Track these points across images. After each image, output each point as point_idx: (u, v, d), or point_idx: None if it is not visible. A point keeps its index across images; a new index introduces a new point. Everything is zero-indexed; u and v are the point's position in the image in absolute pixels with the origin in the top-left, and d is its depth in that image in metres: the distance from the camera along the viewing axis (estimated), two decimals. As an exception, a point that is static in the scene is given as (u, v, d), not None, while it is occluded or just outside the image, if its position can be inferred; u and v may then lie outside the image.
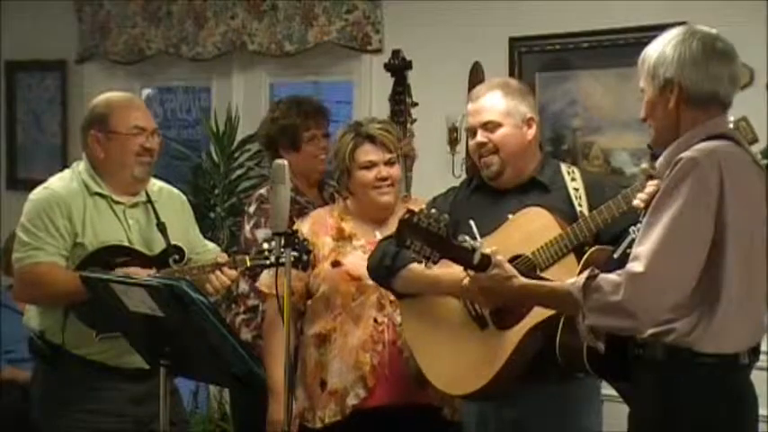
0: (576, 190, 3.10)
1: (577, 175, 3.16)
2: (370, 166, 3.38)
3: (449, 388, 3.13)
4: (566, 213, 3.05)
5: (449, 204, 3.22)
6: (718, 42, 2.48)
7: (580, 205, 3.06)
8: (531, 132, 3.14)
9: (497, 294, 2.77)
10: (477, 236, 2.84)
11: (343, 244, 3.42)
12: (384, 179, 3.37)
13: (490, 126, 3.13)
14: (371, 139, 3.39)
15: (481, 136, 3.14)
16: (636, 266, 2.37)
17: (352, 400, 3.34)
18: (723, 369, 2.43)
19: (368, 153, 3.38)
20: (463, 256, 2.74)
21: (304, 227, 3.46)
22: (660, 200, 2.41)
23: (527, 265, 2.96)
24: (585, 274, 2.47)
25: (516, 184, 3.16)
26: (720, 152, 2.41)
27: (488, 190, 3.20)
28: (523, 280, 2.68)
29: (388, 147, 3.38)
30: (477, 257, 2.71)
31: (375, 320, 3.35)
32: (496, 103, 3.14)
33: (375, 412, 3.34)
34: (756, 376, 2.55)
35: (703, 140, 2.44)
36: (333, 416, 3.36)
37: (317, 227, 3.47)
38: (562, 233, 2.96)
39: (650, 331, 2.44)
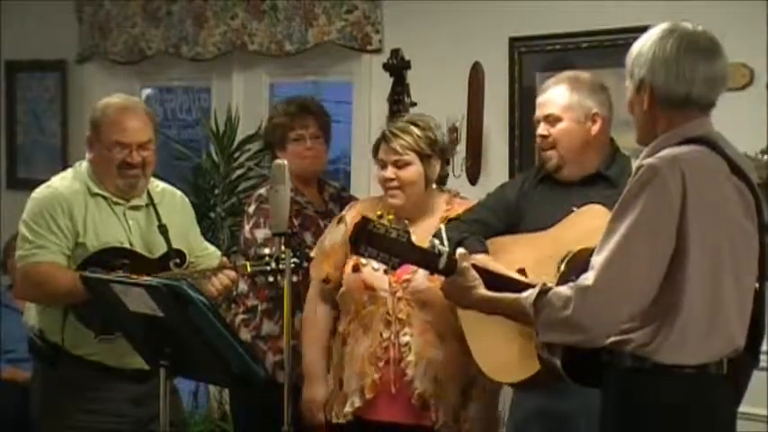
0: None
1: None
2: (382, 165, 3.37)
3: (498, 376, 3.12)
4: None
5: (516, 192, 3.24)
6: (698, 41, 2.40)
7: None
8: (595, 128, 3.14)
9: (459, 301, 2.77)
10: (445, 240, 2.84)
11: None
12: (389, 180, 3.34)
13: (551, 119, 3.16)
14: (386, 137, 3.36)
15: (542, 129, 3.17)
16: (586, 279, 2.33)
17: (348, 408, 3.34)
18: (689, 378, 2.37)
19: (380, 152, 3.37)
20: (429, 261, 2.73)
21: (349, 215, 3.47)
22: (618, 209, 2.37)
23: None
24: (537, 288, 2.44)
25: (581, 178, 3.16)
26: (685, 159, 2.34)
27: (554, 181, 3.20)
28: (483, 292, 2.67)
29: (395, 148, 3.32)
30: (443, 262, 2.71)
31: (381, 335, 3.33)
32: (559, 97, 3.15)
33: (377, 426, 3.34)
34: (756, 376, 2.54)
35: (679, 144, 2.38)
36: (337, 418, 3.38)
37: (354, 220, 3.46)
38: None
39: (609, 340, 2.40)
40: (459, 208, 3.37)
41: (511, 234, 3.21)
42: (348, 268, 3.40)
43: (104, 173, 3.40)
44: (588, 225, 3.00)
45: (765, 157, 2.69)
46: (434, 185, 3.43)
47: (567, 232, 3.02)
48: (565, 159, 3.14)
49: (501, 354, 3.08)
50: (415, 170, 3.34)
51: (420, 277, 3.27)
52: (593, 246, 2.92)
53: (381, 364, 3.31)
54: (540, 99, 3.21)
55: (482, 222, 3.22)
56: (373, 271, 3.35)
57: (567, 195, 3.13)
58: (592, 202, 3.04)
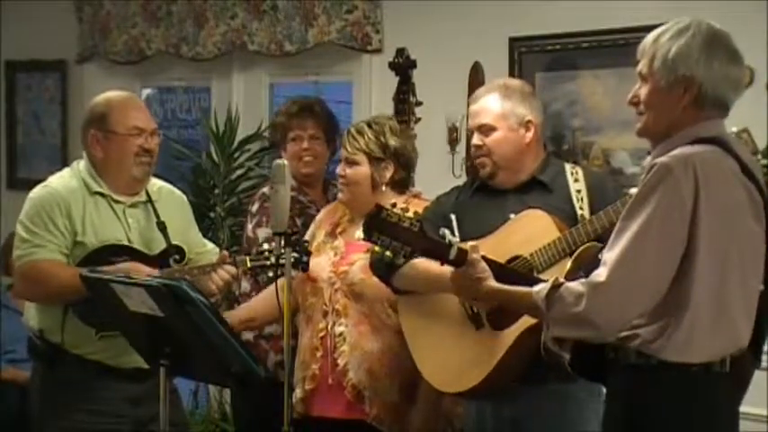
0: (579, 191, 3.10)
1: (581, 175, 3.14)
2: (340, 159, 3.42)
3: (442, 386, 3.12)
4: (567, 214, 3.05)
5: (452, 203, 3.23)
6: (730, 43, 2.44)
7: (581, 208, 3.05)
8: (529, 135, 3.13)
9: (467, 293, 2.77)
10: (456, 231, 2.84)
11: (328, 241, 3.44)
12: (339, 175, 3.39)
13: (484, 129, 3.14)
14: (343, 135, 3.43)
15: (476, 138, 3.16)
16: (599, 276, 2.34)
17: (292, 399, 3.33)
18: (693, 376, 2.37)
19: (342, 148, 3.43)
20: (439, 251, 2.73)
21: (319, 214, 3.56)
22: (631, 207, 2.37)
23: (525, 267, 2.96)
24: (550, 283, 2.45)
25: (517, 184, 3.16)
26: (698, 159, 2.34)
27: (489, 189, 3.19)
28: (493, 284, 2.67)
29: (347, 147, 3.37)
30: (453, 252, 2.71)
31: (319, 326, 3.35)
32: (492, 106, 3.13)
33: (316, 423, 3.34)
34: (757, 376, 2.54)
35: (692, 143, 2.38)
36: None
37: (325, 217, 3.52)
38: (561, 236, 2.96)
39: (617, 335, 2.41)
40: (414, 209, 3.36)
41: None
42: None
43: (115, 167, 3.39)
44: (530, 229, 3.02)
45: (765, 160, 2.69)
46: (387, 188, 3.38)
47: (509, 237, 3.03)
48: (498, 166, 3.13)
49: (444, 365, 3.09)
50: (361, 171, 3.36)
51: (355, 269, 3.30)
52: (536, 249, 2.96)
53: (319, 354, 3.33)
54: (472, 108, 3.19)
55: None
56: (319, 261, 3.36)
57: (503, 202, 3.13)
58: (530, 207, 3.06)
